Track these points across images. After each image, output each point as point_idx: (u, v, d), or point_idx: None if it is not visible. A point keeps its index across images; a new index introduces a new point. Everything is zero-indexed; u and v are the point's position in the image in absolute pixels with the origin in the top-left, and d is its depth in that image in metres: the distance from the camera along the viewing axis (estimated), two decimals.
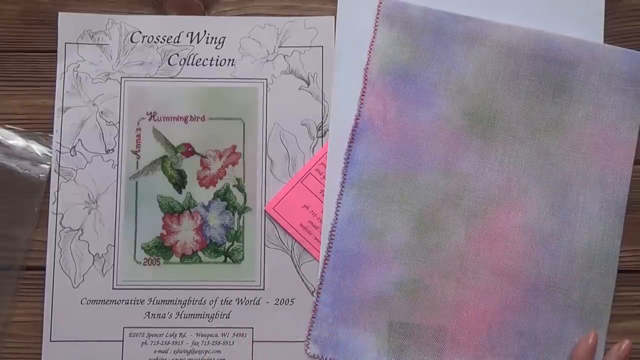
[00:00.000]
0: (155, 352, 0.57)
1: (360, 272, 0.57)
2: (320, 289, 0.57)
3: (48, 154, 0.59)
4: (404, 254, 0.57)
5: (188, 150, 0.60)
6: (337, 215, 0.58)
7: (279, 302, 0.58)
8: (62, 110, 0.59)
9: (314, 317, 0.57)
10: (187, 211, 0.59)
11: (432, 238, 0.57)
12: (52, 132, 0.59)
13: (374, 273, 0.57)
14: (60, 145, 0.59)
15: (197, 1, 0.61)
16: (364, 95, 0.59)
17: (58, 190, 0.59)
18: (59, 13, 0.60)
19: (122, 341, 0.57)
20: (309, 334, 0.57)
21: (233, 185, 0.59)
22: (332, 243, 0.57)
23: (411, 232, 0.57)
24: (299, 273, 0.58)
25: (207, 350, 0.57)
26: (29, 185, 0.58)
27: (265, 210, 0.59)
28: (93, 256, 0.58)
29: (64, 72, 0.60)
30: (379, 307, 0.56)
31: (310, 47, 0.60)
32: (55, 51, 0.60)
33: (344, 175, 0.58)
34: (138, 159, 0.59)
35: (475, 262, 0.57)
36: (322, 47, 0.60)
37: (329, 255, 0.57)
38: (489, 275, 0.56)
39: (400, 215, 0.57)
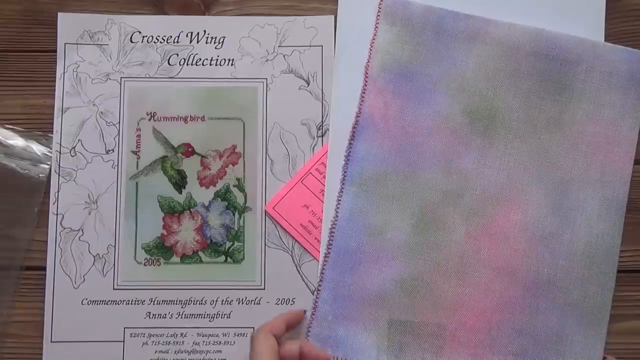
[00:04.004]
0: (156, 352, 0.57)
1: (360, 269, 0.57)
2: (320, 286, 0.57)
3: (48, 154, 0.59)
4: (404, 252, 0.57)
5: (188, 150, 0.60)
6: (337, 212, 0.57)
7: (280, 301, 0.58)
8: (62, 111, 0.59)
9: (313, 315, 0.57)
10: (188, 211, 0.59)
11: (432, 235, 0.57)
12: (52, 132, 0.59)
13: (374, 270, 0.57)
14: (60, 145, 0.59)
15: (197, 1, 0.61)
16: (364, 93, 0.58)
17: (58, 191, 0.59)
18: (59, 13, 0.60)
19: (123, 342, 0.57)
20: (309, 332, 0.57)
21: (233, 185, 0.59)
22: (332, 240, 0.57)
23: (411, 229, 0.57)
24: (299, 273, 0.58)
25: (208, 350, 0.57)
26: (29, 185, 0.58)
27: (265, 210, 0.59)
28: (93, 256, 0.58)
29: (64, 73, 0.60)
30: (378, 305, 0.56)
31: (310, 46, 0.60)
32: (55, 51, 0.60)
33: (345, 172, 0.58)
34: (138, 159, 0.59)
35: (475, 259, 0.57)
36: (322, 46, 0.60)
37: (329, 253, 0.57)
38: (489, 273, 0.56)
39: (401, 213, 0.57)
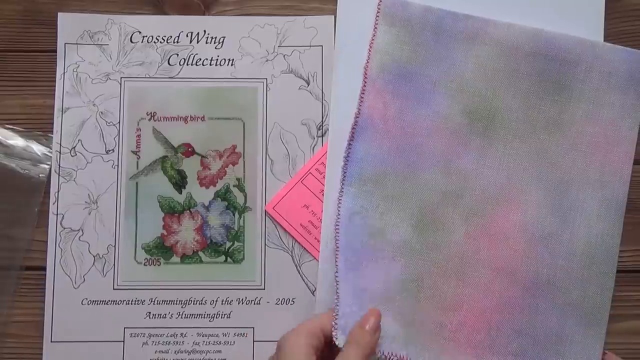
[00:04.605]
0: (156, 352, 0.57)
1: (362, 269, 0.56)
2: (337, 280, 0.55)
3: (48, 154, 0.59)
4: (404, 252, 0.57)
5: (188, 150, 0.60)
6: (339, 212, 0.57)
7: (280, 301, 0.58)
8: (62, 111, 0.59)
9: (337, 306, 0.55)
10: (188, 211, 0.59)
11: (432, 236, 0.57)
12: (52, 132, 0.59)
13: (376, 271, 0.56)
14: (60, 145, 0.59)
15: (197, 1, 0.61)
16: (364, 94, 0.58)
17: (58, 191, 0.59)
18: (59, 13, 0.60)
19: (123, 342, 0.57)
20: (336, 324, 0.54)
21: (233, 185, 0.59)
22: (338, 238, 0.56)
23: (411, 230, 0.57)
24: (299, 273, 0.58)
25: (208, 351, 0.57)
26: (29, 185, 0.58)
27: (265, 210, 0.59)
28: (94, 257, 0.58)
29: (64, 73, 0.60)
30: (383, 305, 0.56)
31: (310, 46, 0.60)
32: (55, 51, 0.60)
33: (344, 173, 0.58)
34: (138, 159, 0.59)
35: (475, 260, 0.57)
36: (322, 46, 0.60)
37: (338, 248, 0.56)
38: (489, 273, 0.56)
39: (400, 213, 0.57)
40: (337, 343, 0.53)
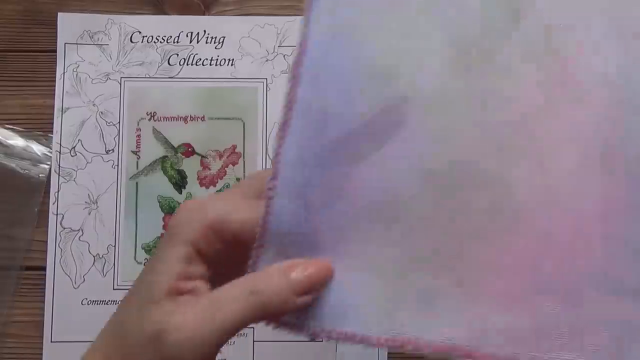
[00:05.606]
0: None
1: (348, 146, 0.31)
2: (274, 182, 0.32)
3: (48, 154, 0.59)
4: (437, 111, 0.31)
5: (188, 150, 0.60)
6: (303, 42, 0.33)
7: None
8: (62, 111, 0.59)
9: (264, 231, 0.32)
10: None
11: (481, 84, 0.32)
12: (52, 132, 0.59)
13: (379, 150, 0.31)
14: (60, 145, 0.59)
15: (197, 1, 0.61)
16: None
17: (58, 191, 0.59)
18: (59, 13, 0.60)
19: None
20: (255, 264, 0.33)
21: None
22: (295, 88, 0.32)
23: (445, 69, 0.32)
24: None
25: None
26: (29, 185, 0.58)
27: None
28: (93, 257, 0.58)
29: (64, 73, 0.60)
30: (386, 217, 0.31)
31: None
32: (55, 51, 0.60)
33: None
34: (138, 159, 0.59)
35: (554, 132, 0.31)
36: None
37: (291, 113, 0.32)
38: (578, 157, 0.31)
39: (424, 39, 0.32)
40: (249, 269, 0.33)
